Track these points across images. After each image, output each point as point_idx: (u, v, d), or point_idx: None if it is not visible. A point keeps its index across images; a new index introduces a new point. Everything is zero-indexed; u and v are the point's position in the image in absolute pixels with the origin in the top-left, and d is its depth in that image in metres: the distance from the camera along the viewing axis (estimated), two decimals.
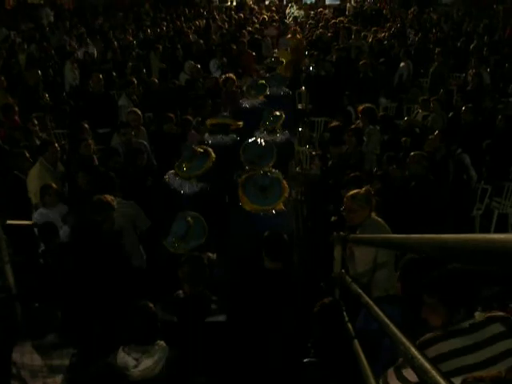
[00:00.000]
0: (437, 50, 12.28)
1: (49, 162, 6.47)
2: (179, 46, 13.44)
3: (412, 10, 20.63)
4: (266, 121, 6.82)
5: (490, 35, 15.46)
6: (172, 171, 5.63)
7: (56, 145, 6.79)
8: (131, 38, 14.55)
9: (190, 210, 4.87)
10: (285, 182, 5.16)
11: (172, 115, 8.01)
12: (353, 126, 7.31)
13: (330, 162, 6.96)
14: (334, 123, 7.86)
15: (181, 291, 4.19)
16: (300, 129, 8.87)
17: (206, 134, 6.86)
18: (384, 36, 15.14)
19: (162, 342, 3.58)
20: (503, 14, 20.29)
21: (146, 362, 3.46)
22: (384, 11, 21.47)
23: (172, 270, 4.23)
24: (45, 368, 3.66)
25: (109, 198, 5.01)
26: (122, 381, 3.45)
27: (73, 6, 24.09)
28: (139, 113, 7.79)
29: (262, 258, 4.31)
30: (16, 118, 8.24)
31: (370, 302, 2.82)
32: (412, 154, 6.07)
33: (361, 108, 7.78)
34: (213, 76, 10.74)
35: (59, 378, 3.64)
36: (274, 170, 5.32)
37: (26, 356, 3.67)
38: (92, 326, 4.36)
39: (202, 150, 5.65)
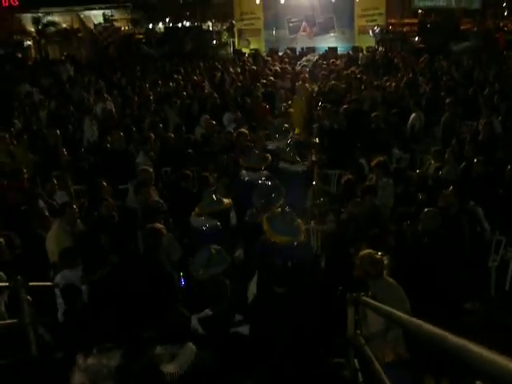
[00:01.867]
0: (448, 99, 12.47)
1: (67, 223, 6.65)
2: (196, 101, 13.79)
3: (423, 58, 20.95)
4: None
5: (500, 82, 15.63)
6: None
7: (74, 206, 6.98)
8: (149, 93, 14.91)
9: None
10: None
11: (189, 173, 8.22)
12: (366, 183, 7.44)
13: (343, 216, 7.07)
14: (347, 177, 8.01)
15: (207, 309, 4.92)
16: (314, 182, 9.00)
17: None
18: (396, 85, 15.36)
19: (191, 344, 4.20)
20: None
21: (179, 359, 4.06)
22: (395, 60, 21.82)
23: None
24: None
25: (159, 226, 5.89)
26: (159, 375, 4.01)
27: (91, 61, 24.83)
28: (151, 171, 7.99)
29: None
30: (25, 181, 8.39)
31: (379, 370, 2.89)
32: (425, 210, 6.17)
33: (374, 162, 7.92)
34: (227, 131, 10.96)
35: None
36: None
37: None
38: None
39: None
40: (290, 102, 14.02)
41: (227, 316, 4.88)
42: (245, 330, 4.82)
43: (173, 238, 6.45)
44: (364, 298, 3.89)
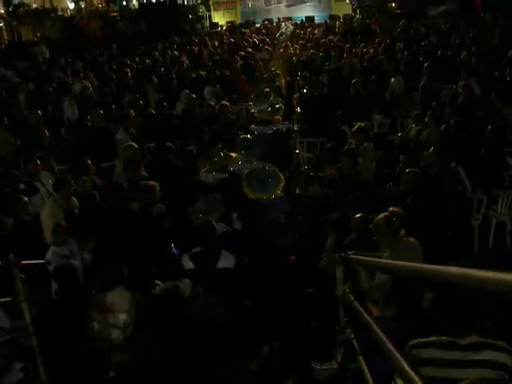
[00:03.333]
0: (426, 63, 12.52)
1: (64, 199, 6.65)
2: (174, 76, 13.73)
3: (400, 23, 20.96)
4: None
5: (477, 45, 15.70)
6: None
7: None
8: (127, 70, 14.79)
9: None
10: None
11: (171, 145, 8.25)
12: (346, 147, 7.51)
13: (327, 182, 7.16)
14: (330, 144, 8.08)
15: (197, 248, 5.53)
16: (297, 150, 9.08)
17: None
18: (374, 52, 15.39)
19: (187, 280, 4.92)
20: (490, 22, 20.61)
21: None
22: (373, 27, 21.79)
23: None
24: None
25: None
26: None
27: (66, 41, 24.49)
28: (136, 147, 8.00)
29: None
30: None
31: (370, 321, 2.98)
32: (406, 171, 6.26)
33: (354, 128, 7.99)
34: (208, 104, 10.96)
35: None
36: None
37: None
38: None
39: None
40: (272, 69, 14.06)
41: (215, 252, 5.47)
42: (230, 263, 5.45)
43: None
44: (353, 256, 3.97)
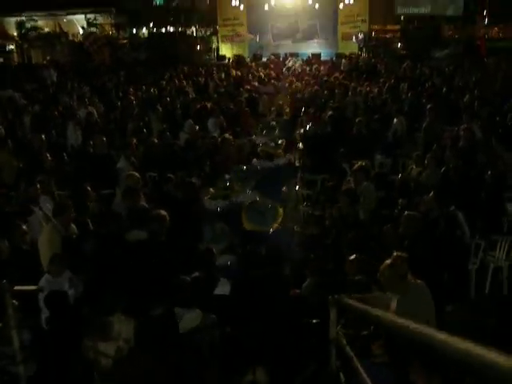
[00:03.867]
0: (429, 105, 12.65)
1: (62, 225, 6.64)
2: (178, 106, 13.84)
3: (405, 64, 21.19)
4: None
5: (480, 89, 15.86)
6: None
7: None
8: (132, 98, 14.93)
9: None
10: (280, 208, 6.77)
11: (172, 176, 8.29)
12: (345, 186, 7.55)
13: (327, 222, 7.17)
14: (331, 183, 8.13)
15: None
16: (297, 187, 9.11)
17: None
18: (378, 91, 15.54)
19: (198, 310, 5.01)
20: (494, 67, 20.85)
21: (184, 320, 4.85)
22: (378, 66, 22.03)
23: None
24: None
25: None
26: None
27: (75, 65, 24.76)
28: (137, 176, 8.02)
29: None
30: None
31: (359, 369, 2.96)
32: (406, 213, 6.27)
33: (355, 167, 8.03)
34: (211, 135, 11.03)
35: None
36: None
37: None
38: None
39: None
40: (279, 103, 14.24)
41: (213, 278, 5.71)
42: (226, 291, 5.70)
43: None
44: (347, 300, 3.95)
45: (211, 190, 8.19)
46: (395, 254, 4.73)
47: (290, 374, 4.88)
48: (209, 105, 13.81)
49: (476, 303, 7.48)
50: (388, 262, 4.66)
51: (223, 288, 5.77)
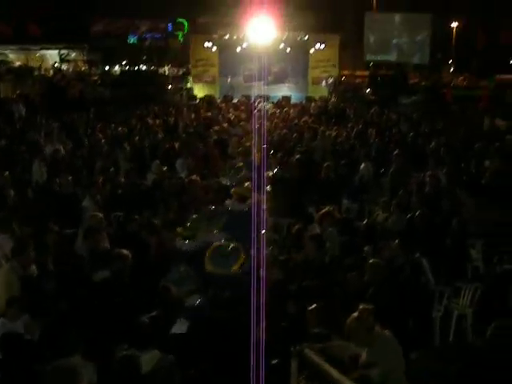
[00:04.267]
0: (396, 151, 12.84)
1: (21, 265, 6.44)
2: (147, 145, 13.81)
3: (373, 109, 21.59)
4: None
5: (446, 135, 16.19)
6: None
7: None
8: (100, 136, 14.83)
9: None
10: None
11: (136, 217, 8.21)
12: (310, 232, 7.54)
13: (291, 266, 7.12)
14: (296, 226, 8.11)
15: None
16: (263, 231, 9.05)
17: None
18: (346, 136, 15.75)
19: (156, 351, 4.87)
20: (459, 114, 21.40)
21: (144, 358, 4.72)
22: (347, 110, 22.40)
23: None
24: None
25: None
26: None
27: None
28: (100, 216, 7.91)
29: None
30: None
31: None
32: (371, 261, 6.28)
33: (320, 212, 8.06)
34: (178, 176, 11.00)
35: None
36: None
37: None
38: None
39: None
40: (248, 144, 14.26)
41: (170, 316, 5.66)
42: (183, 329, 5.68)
43: None
44: (308, 351, 3.90)
45: (178, 230, 8.10)
46: (361, 306, 4.70)
47: None
48: (177, 145, 13.81)
49: (440, 351, 7.47)
50: (355, 314, 4.63)
51: (181, 327, 5.77)
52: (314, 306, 5.39)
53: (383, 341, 4.64)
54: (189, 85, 28.89)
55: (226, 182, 10.78)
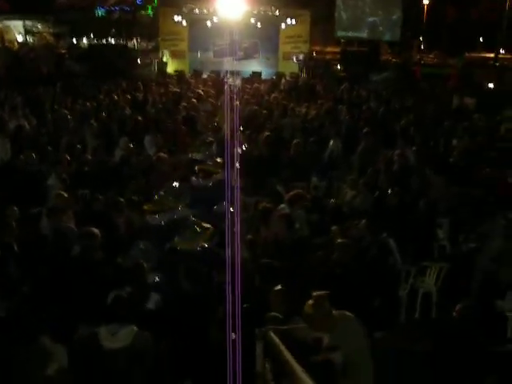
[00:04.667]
0: (365, 129, 12.84)
1: None
2: (114, 121, 13.58)
3: (343, 86, 21.54)
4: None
5: (415, 113, 16.26)
6: None
7: None
8: (66, 111, 14.52)
9: None
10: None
11: (100, 196, 8.09)
12: (283, 212, 7.51)
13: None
14: (264, 205, 8.07)
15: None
16: (231, 209, 9.00)
17: None
18: (316, 113, 15.69)
19: (133, 326, 4.91)
20: (428, 93, 21.51)
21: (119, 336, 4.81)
22: (317, 87, 22.31)
23: None
24: None
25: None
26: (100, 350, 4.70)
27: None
28: (66, 196, 7.76)
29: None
30: None
31: None
32: (339, 241, 6.29)
33: (289, 195, 8.04)
34: (146, 154, 10.85)
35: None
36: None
37: None
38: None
39: None
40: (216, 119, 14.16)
41: (143, 293, 5.76)
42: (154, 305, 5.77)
43: None
44: (272, 334, 3.88)
45: (146, 206, 8.04)
46: (315, 293, 4.67)
47: None
48: (145, 121, 13.61)
49: (406, 328, 7.58)
50: (309, 302, 4.59)
51: (152, 303, 5.84)
52: (278, 288, 5.37)
53: (343, 324, 4.62)
54: (164, 59, 28.18)
55: (196, 157, 10.72)
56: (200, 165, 9.72)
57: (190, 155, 11.05)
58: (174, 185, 8.26)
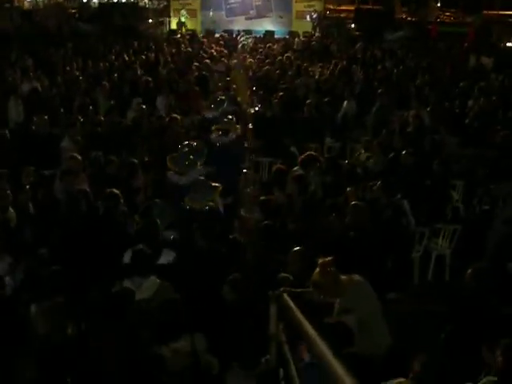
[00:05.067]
0: (380, 89, 12.66)
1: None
2: (126, 82, 13.48)
3: (358, 46, 21.21)
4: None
5: (430, 73, 16.01)
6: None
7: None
8: (77, 73, 14.43)
9: None
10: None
11: (114, 158, 8.06)
12: (296, 173, 7.47)
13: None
14: (278, 166, 8.03)
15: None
16: (245, 170, 8.99)
17: None
18: (329, 73, 15.49)
19: (154, 277, 5.24)
20: (445, 52, 21.13)
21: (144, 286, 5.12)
22: (331, 47, 21.98)
23: None
24: None
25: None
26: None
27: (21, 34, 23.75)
28: (79, 158, 7.74)
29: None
30: None
31: (293, 372, 2.92)
32: (353, 203, 6.26)
33: (303, 156, 7.98)
34: (159, 115, 10.78)
35: None
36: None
37: None
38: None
39: None
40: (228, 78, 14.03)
41: (156, 249, 5.78)
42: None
43: None
44: (285, 296, 3.88)
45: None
46: (320, 260, 4.67)
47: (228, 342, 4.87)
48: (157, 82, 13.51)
49: (418, 290, 7.60)
50: (317, 270, 4.60)
51: (167, 258, 5.94)
52: (295, 249, 5.38)
53: (353, 287, 4.66)
54: (183, 19, 27.66)
55: (208, 115, 10.63)
56: (216, 125, 9.62)
57: (202, 114, 10.98)
58: (190, 144, 8.08)
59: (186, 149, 7.76)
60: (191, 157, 7.54)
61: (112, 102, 12.05)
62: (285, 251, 5.62)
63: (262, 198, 7.17)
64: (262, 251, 5.93)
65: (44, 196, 7.03)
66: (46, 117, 9.37)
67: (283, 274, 5.17)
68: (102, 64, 15.72)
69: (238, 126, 9.44)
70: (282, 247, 5.82)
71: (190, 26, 27.42)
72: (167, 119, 10.05)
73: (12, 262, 5.83)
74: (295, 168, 7.89)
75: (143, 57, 17.75)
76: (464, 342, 4.82)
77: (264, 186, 8.60)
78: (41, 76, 13.89)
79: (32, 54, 17.76)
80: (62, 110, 11.01)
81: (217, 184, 6.90)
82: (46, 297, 4.96)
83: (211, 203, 6.67)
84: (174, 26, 27.97)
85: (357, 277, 4.84)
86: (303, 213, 6.65)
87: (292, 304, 3.35)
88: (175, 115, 10.03)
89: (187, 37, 24.42)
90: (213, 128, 9.14)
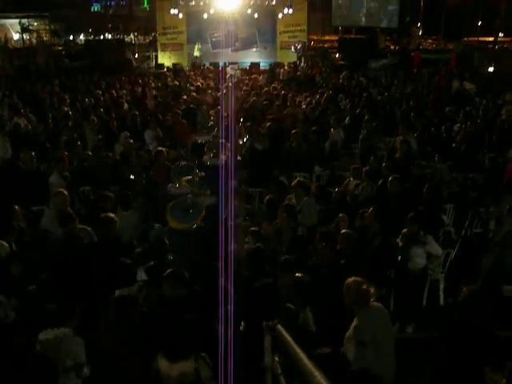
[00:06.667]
0: (366, 116, 12.75)
1: None
2: (113, 116, 13.49)
3: (343, 74, 21.43)
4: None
5: (415, 100, 16.15)
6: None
7: None
8: (66, 109, 14.43)
9: None
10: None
11: (110, 194, 7.99)
12: (285, 203, 7.45)
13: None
14: (269, 196, 8.02)
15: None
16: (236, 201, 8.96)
17: None
18: (317, 102, 15.59)
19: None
20: (428, 79, 21.38)
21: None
22: (316, 76, 22.20)
23: None
24: None
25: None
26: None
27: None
28: (65, 194, 7.67)
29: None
30: None
31: None
32: (343, 231, 6.23)
33: (294, 182, 7.98)
34: (146, 149, 10.78)
35: None
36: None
37: None
38: None
39: None
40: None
41: (165, 265, 5.90)
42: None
43: None
44: (279, 327, 3.82)
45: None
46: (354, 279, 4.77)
47: None
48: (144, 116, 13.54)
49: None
50: (360, 284, 4.71)
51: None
52: (286, 279, 5.34)
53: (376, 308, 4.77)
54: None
55: (200, 140, 10.77)
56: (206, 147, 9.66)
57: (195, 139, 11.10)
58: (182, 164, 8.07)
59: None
60: (191, 211, 7.39)
61: (100, 137, 12.04)
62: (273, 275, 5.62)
63: (253, 228, 7.13)
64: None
65: (32, 232, 6.95)
66: (33, 153, 9.30)
67: (285, 304, 5.14)
68: (88, 99, 15.74)
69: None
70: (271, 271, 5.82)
71: (175, 59, 27.67)
72: (153, 153, 10.03)
73: (3, 300, 5.73)
74: (289, 196, 7.91)
75: (130, 91, 17.82)
76: (463, 365, 4.77)
77: (255, 216, 8.55)
78: (28, 113, 13.84)
79: (19, 92, 17.80)
80: (49, 147, 10.95)
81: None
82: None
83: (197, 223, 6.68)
84: (160, 60, 28.20)
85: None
86: (292, 242, 6.63)
87: (287, 335, 3.29)
88: (161, 148, 10.01)
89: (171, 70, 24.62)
90: (205, 150, 9.21)
